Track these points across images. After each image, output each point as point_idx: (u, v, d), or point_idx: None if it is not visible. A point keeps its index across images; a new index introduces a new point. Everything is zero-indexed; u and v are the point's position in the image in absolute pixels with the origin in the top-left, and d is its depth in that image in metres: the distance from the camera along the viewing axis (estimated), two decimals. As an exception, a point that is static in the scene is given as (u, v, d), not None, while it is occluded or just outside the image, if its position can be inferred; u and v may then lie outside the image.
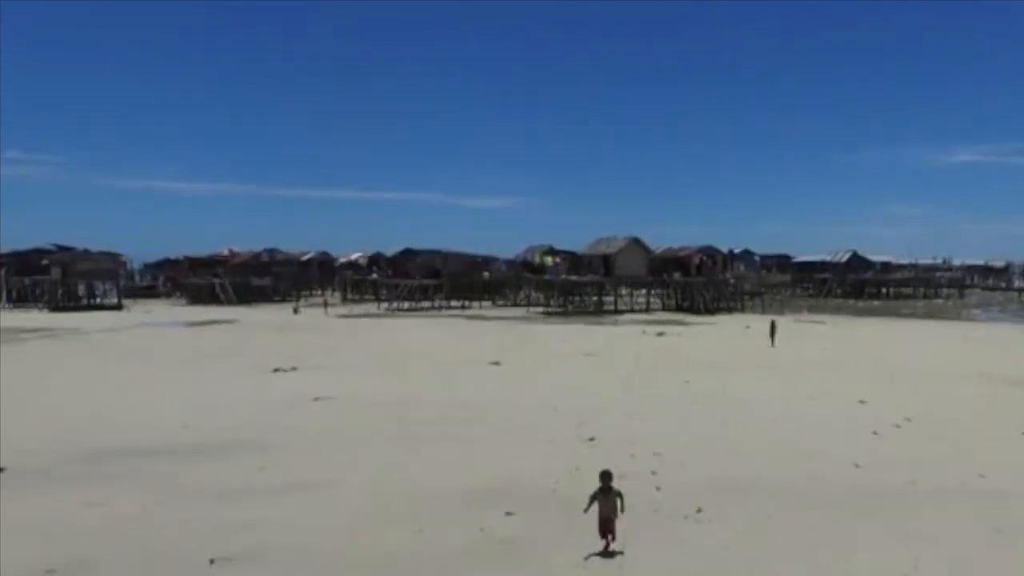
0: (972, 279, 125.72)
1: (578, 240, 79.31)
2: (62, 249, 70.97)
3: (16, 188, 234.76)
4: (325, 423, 18.87)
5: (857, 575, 9.45)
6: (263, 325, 51.37)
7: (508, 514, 11.57)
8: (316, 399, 21.67)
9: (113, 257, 72.93)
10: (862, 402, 21.38)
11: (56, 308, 63.19)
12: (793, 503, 12.26)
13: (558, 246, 78.18)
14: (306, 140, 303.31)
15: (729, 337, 42.80)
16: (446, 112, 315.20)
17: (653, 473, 13.82)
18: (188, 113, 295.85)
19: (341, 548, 10.26)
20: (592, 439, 16.58)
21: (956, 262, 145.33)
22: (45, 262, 69.13)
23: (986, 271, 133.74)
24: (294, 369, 27.92)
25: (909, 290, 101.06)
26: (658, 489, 12.87)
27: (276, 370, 27.66)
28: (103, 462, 14.79)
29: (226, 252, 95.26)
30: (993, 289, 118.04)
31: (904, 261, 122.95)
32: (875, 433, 17.52)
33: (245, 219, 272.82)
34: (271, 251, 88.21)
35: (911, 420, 18.93)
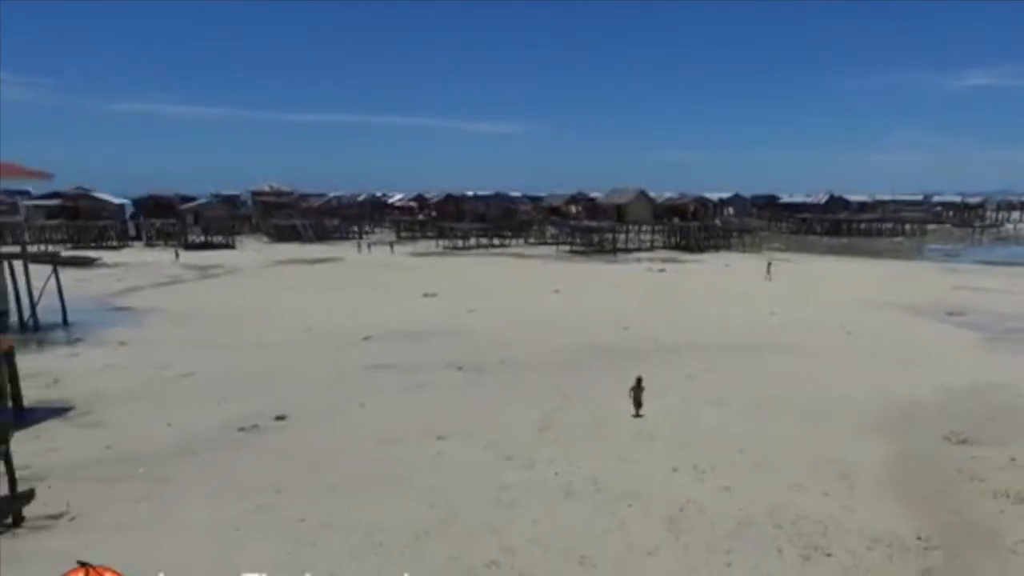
0: (952, 215, 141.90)
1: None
2: (184, 199, 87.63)
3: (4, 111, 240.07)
4: (482, 322, 35.96)
5: (736, 371, 26.34)
6: (362, 263, 68.22)
7: (594, 351, 28.76)
8: (469, 311, 38.78)
9: (230, 204, 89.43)
10: (772, 313, 38.40)
11: (186, 248, 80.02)
12: (716, 351, 29.28)
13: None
14: (305, 65, 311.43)
15: (711, 273, 59.78)
16: (446, 38, 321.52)
17: (655, 341, 30.98)
18: (185, 37, 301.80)
19: (541, 358, 27.42)
20: (626, 328, 33.73)
21: (937, 198, 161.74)
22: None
23: (962, 208, 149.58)
24: (435, 295, 44.95)
25: (881, 227, 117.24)
26: (656, 345, 30.10)
27: (426, 295, 44.73)
28: (408, 339, 31.94)
29: (267, 188, 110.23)
30: (961, 226, 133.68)
31: (887, 198, 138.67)
32: (769, 329, 34.63)
33: (247, 144, 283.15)
34: (339, 197, 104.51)
35: (792, 322, 36.02)
